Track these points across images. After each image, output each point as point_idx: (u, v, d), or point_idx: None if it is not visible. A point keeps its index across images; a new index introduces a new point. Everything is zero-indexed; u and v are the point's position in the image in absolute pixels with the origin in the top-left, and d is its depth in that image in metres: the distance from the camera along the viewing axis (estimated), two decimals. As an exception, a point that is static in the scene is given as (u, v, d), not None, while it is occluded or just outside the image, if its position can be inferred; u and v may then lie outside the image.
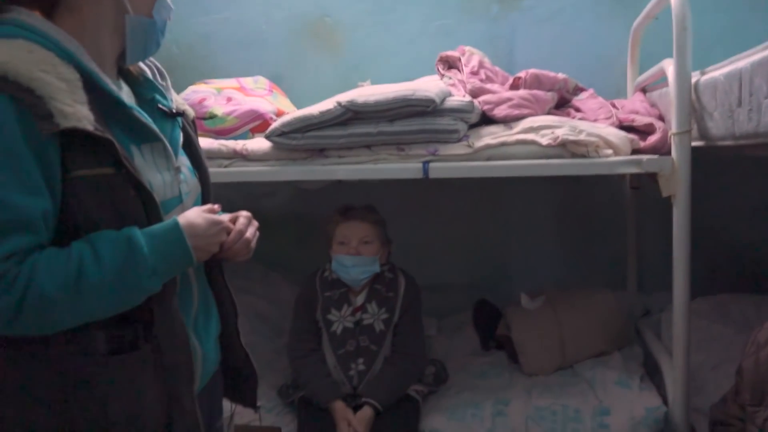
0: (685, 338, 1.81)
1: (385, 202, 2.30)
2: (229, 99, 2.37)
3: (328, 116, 1.95)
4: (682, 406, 1.83)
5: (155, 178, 1.11)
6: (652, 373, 2.11)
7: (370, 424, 1.92)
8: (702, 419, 1.84)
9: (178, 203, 1.16)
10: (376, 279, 2.16)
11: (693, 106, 1.77)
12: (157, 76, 1.25)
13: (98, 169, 0.99)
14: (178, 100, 1.29)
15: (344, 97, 1.98)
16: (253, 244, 1.22)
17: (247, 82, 2.52)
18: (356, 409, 1.98)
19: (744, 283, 2.40)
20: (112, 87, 1.06)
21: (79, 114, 0.95)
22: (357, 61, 2.80)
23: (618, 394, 1.97)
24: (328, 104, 1.99)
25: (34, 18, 1.01)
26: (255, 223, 1.24)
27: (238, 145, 2.10)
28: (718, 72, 1.61)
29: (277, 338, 2.60)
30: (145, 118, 1.11)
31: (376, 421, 1.94)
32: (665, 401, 1.91)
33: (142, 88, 1.21)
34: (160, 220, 1.07)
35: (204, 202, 1.26)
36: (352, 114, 1.96)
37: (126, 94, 1.16)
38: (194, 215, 1.10)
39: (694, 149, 1.79)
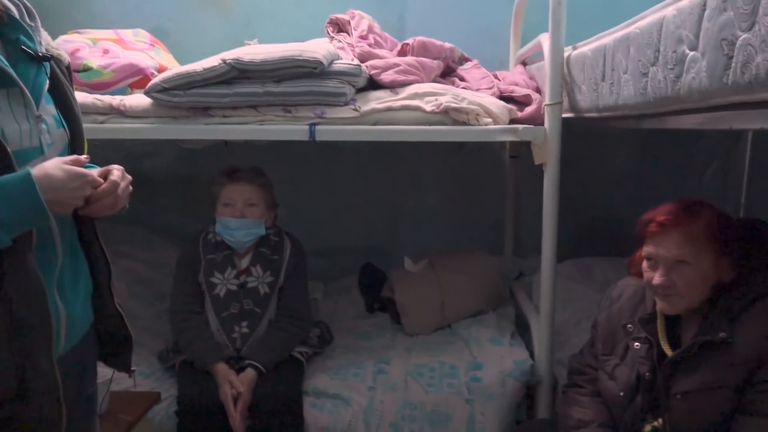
0: (550, 298, 1.95)
1: (273, 165, 2.27)
2: (105, 51, 2.23)
3: (212, 73, 1.89)
4: (547, 358, 1.99)
5: (10, 126, 1.03)
6: (523, 331, 2.26)
7: (252, 384, 1.92)
8: (565, 371, 1.99)
9: (39, 155, 1.08)
10: (261, 242, 2.14)
11: (565, 79, 1.88)
12: (25, 15, 1.14)
13: None
14: (50, 44, 1.20)
15: (229, 54, 1.93)
16: (124, 200, 1.15)
17: (127, 34, 2.38)
18: (240, 371, 1.97)
19: (608, 247, 2.60)
20: None
21: None
22: (245, 18, 2.72)
23: (490, 350, 2.10)
24: (212, 61, 1.93)
25: None
26: (128, 178, 1.17)
27: (115, 100, 2.00)
28: (587, 47, 1.72)
29: (159, 303, 2.53)
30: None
31: (259, 381, 1.94)
32: (532, 355, 2.05)
33: (6, 27, 1.10)
34: (13, 170, 0.99)
35: (74, 154, 1.17)
36: (237, 72, 1.91)
37: None
38: (52, 166, 1.02)
39: (566, 120, 1.91)
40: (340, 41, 2.31)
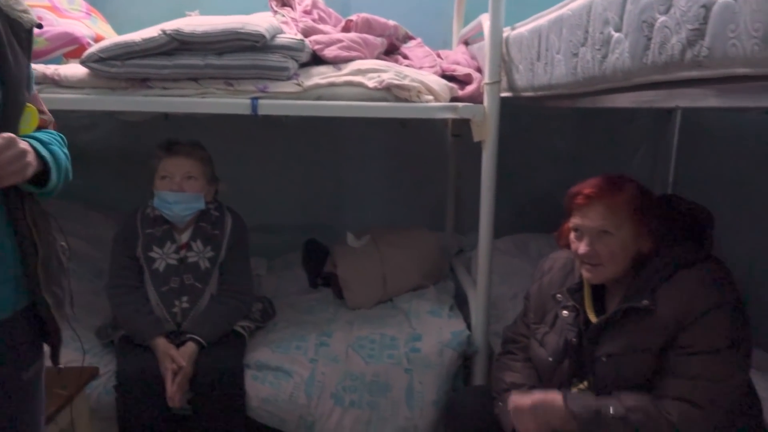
0: (487, 272, 2.02)
1: (214, 140, 2.24)
2: (39, 19, 2.15)
3: (151, 44, 1.86)
4: (483, 329, 2.06)
5: None
6: (462, 304, 2.33)
7: (193, 358, 1.92)
8: (500, 342, 2.07)
9: None
10: (201, 217, 2.12)
11: (503, 58, 1.93)
12: None
13: None
14: (8, 3, 1.14)
15: (170, 25, 1.90)
16: (10, 173, 1.05)
17: (61, 2, 2.30)
18: (180, 346, 1.96)
19: (544, 224, 2.69)
20: None
21: None
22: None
23: (429, 322, 2.16)
24: (152, 32, 1.90)
25: None
26: (18, 147, 1.06)
27: (49, 69, 1.94)
28: (524, 28, 1.77)
29: (97, 279, 2.48)
30: None
31: (200, 355, 1.94)
32: (470, 327, 2.12)
33: None
34: None
35: (8, 121, 1.11)
36: (177, 44, 1.88)
37: None
38: None
39: (505, 99, 1.96)
40: (283, 15, 2.30)
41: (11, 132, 1.09)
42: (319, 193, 2.98)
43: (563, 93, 1.51)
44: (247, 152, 2.81)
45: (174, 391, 1.86)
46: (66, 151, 1.24)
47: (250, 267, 2.24)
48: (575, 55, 1.35)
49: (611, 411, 1.35)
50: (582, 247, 1.45)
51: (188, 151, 2.07)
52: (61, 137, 1.26)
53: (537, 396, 1.47)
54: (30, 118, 1.18)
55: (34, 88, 1.26)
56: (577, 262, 1.51)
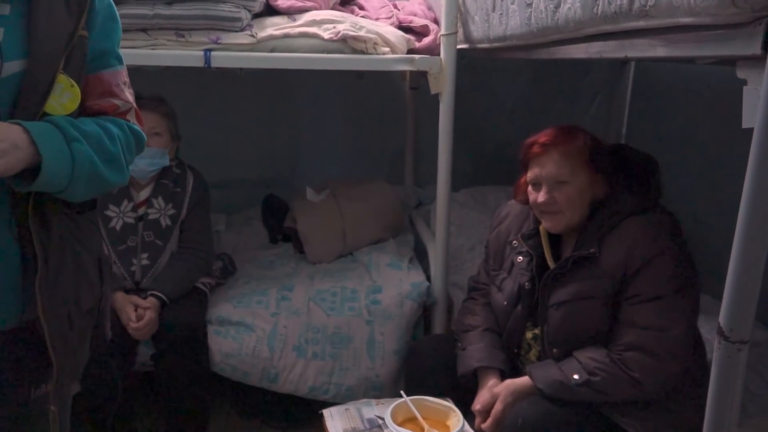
0: (445, 224, 2.05)
1: (167, 93, 2.19)
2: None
3: (95, -7, 1.79)
4: (442, 280, 2.10)
5: None
6: (422, 257, 2.36)
7: (157, 311, 1.91)
8: (459, 293, 2.13)
9: None
10: (163, 174, 2.08)
11: (460, 9, 1.91)
12: None
13: None
14: None
15: (115, -27, 1.82)
16: None
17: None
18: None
19: (502, 176, 2.73)
20: None
21: None
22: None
23: (389, 274, 2.19)
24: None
25: None
26: None
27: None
28: (480, -23, 1.75)
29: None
30: None
31: (162, 312, 1.94)
32: (429, 278, 2.16)
33: None
34: None
35: (28, 99, 0.95)
36: (124, -8, 1.81)
37: None
38: None
39: (461, 51, 1.95)
40: (235, -36, 2.23)
41: (34, 111, 0.95)
42: (277, 147, 2.95)
43: (518, 44, 1.51)
44: (201, 106, 2.74)
45: (142, 325, 1.85)
46: (117, 147, 1.04)
47: (210, 224, 2.23)
48: (529, 5, 1.35)
49: (575, 378, 1.40)
50: (540, 197, 1.48)
51: (153, 105, 2.02)
52: (118, 128, 1.07)
53: (502, 392, 1.50)
54: (66, 96, 0.99)
55: (107, 66, 1.07)
56: (536, 212, 1.54)
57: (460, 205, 2.47)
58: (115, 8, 1.10)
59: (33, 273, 0.99)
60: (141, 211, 2.06)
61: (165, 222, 2.07)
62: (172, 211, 2.08)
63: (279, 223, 2.57)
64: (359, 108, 2.92)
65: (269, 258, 2.42)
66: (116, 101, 1.09)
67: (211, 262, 2.18)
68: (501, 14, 1.56)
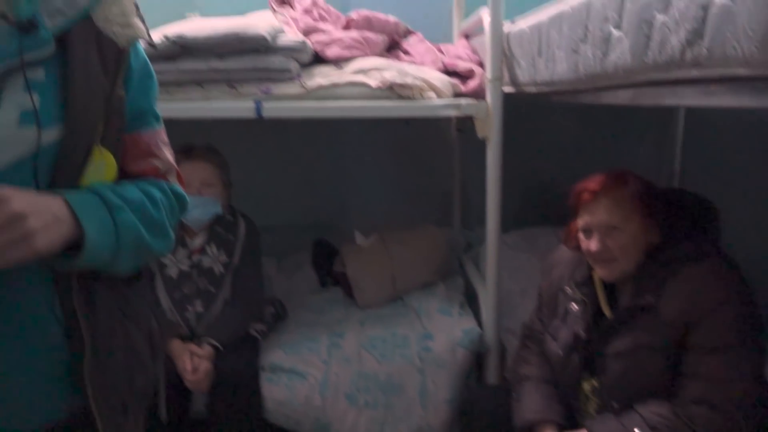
0: (496, 268, 2.01)
1: (217, 142, 2.25)
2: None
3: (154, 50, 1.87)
4: (494, 326, 2.06)
5: None
6: (472, 301, 2.32)
7: (211, 358, 1.93)
8: (512, 339, 2.08)
9: None
10: (216, 221, 2.13)
11: (505, 53, 1.92)
12: None
13: None
14: (111, 18, 0.93)
15: (172, 30, 1.90)
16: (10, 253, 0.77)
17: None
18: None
19: (551, 217, 2.68)
20: None
21: None
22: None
23: (440, 320, 2.16)
24: (154, 37, 1.90)
25: None
26: (16, 208, 0.77)
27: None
28: (524, 24, 1.75)
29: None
30: None
31: (216, 359, 1.95)
32: (481, 324, 2.12)
33: None
34: None
35: (66, 169, 0.88)
36: (180, 49, 1.89)
37: None
38: None
39: (508, 94, 1.95)
40: (283, 15, 2.30)
41: (72, 182, 0.88)
42: (325, 191, 2.98)
43: (565, 89, 1.50)
44: (250, 153, 2.80)
45: (199, 376, 1.85)
46: (160, 213, 0.98)
47: (262, 271, 2.25)
48: (576, 51, 1.34)
49: None
50: (593, 245, 1.44)
51: (205, 156, 2.08)
52: (161, 192, 1.01)
53: None
54: (103, 165, 0.93)
55: (145, 126, 1.02)
56: (590, 260, 1.50)
57: (510, 247, 2.44)
58: (151, 65, 1.05)
59: (80, 358, 0.90)
60: (195, 258, 2.10)
61: (218, 269, 2.11)
62: (224, 259, 2.12)
63: (329, 268, 2.58)
64: (405, 150, 2.94)
65: (319, 303, 2.43)
66: (157, 162, 1.03)
67: (262, 308, 2.20)
68: (547, 60, 1.55)
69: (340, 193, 2.99)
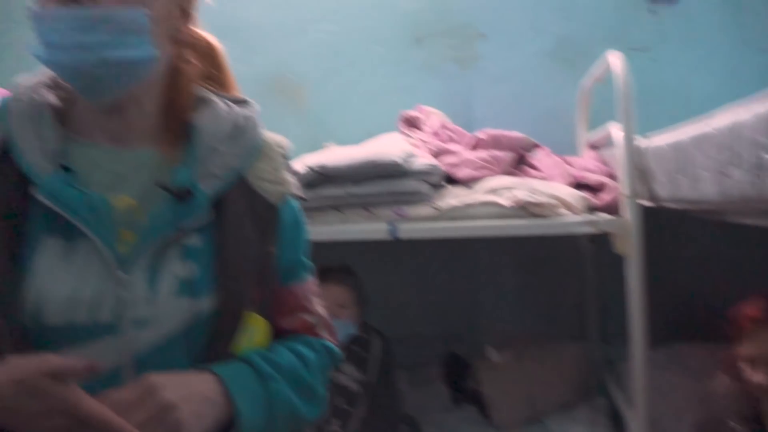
0: (644, 389, 1.87)
1: (352, 259, 2.34)
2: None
3: (300, 180, 2.01)
4: (646, 455, 1.89)
5: (61, 286, 0.77)
6: (618, 424, 2.17)
7: None
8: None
9: (107, 332, 0.79)
10: (351, 339, 2.18)
11: (640, 169, 1.88)
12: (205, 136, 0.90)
13: None
14: (262, 176, 0.93)
15: (314, 161, 2.05)
16: None
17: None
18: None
19: (699, 331, 2.49)
20: (32, 158, 0.81)
21: None
22: (320, 118, 2.86)
23: (585, 446, 2.03)
24: (297, 167, 2.06)
25: None
26: (162, 399, 0.73)
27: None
28: (662, 141, 1.72)
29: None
30: (65, 206, 0.79)
31: (353, 479, 1.94)
32: (629, 453, 1.96)
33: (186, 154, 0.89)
34: (28, 350, 0.73)
35: (220, 340, 0.85)
36: (321, 177, 2.02)
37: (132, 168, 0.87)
38: (5, 372, 0.69)
39: (646, 208, 1.89)
40: (413, 138, 2.41)
41: (225, 352, 0.85)
42: (455, 302, 2.96)
43: (712, 209, 1.44)
44: (383, 269, 2.87)
45: None
46: (313, 376, 0.94)
47: (397, 388, 2.25)
48: (724, 174, 1.29)
49: None
50: (762, 378, 1.33)
51: (340, 278, 2.17)
52: (313, 351, 0.97)
53: None
54: (254, 331, 0.90)
55: (295, 279, 0.99)
56: (758, 393, 1.38)
57: (657, 366, 2.26)
58: (300, 213, 1.02)
59: None
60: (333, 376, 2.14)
61: (354, 387, 2.13)
62: (360, 377, 2.14)
63: (461, 384, 2.53)
64: (536, 262, 2.89)
65: (454, 422, 2.36)
66: (308, 317, 1.00)
67: (398, 427, 2.18)
68: (691, 179, 1.50)
69: (470, 303, 2.96)
